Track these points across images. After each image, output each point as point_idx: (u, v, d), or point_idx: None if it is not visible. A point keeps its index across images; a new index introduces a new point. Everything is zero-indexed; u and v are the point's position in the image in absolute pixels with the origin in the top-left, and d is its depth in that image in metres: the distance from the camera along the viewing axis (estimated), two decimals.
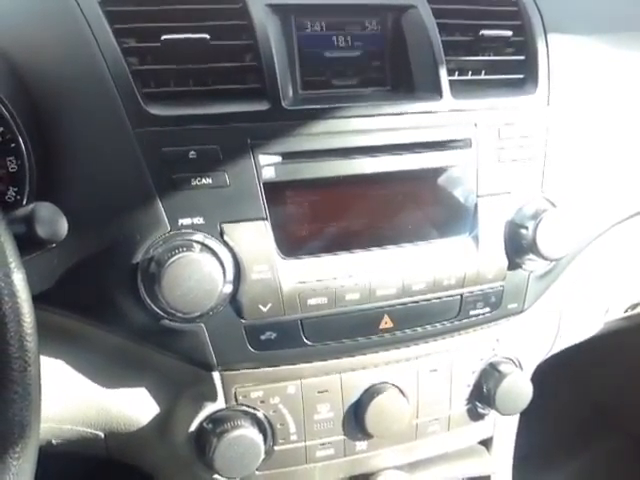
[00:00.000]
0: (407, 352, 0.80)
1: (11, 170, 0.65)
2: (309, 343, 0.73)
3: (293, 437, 0.78)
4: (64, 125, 0.67)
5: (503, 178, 0.79)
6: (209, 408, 0.75)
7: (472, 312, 0.80)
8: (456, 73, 0.79)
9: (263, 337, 0.71)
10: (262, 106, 0.69)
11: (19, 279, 0.49)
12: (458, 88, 0.77)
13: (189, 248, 0.65)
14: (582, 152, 0.87)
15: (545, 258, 0.78)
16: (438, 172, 0.77)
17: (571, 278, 0.92)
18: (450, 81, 0.76)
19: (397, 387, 0.81)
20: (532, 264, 0.81)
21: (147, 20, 0.68)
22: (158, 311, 0.66)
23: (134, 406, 0.76)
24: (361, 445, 0.82)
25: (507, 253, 0.79)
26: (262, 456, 0.74)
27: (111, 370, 0.74)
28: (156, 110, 0.66)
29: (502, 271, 0.79)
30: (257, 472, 0.77)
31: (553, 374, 1.15)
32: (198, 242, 0.66)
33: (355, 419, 0.80)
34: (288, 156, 0.70)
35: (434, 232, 0.77)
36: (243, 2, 0.70)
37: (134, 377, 0.75)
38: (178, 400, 0.76)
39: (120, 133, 0.66)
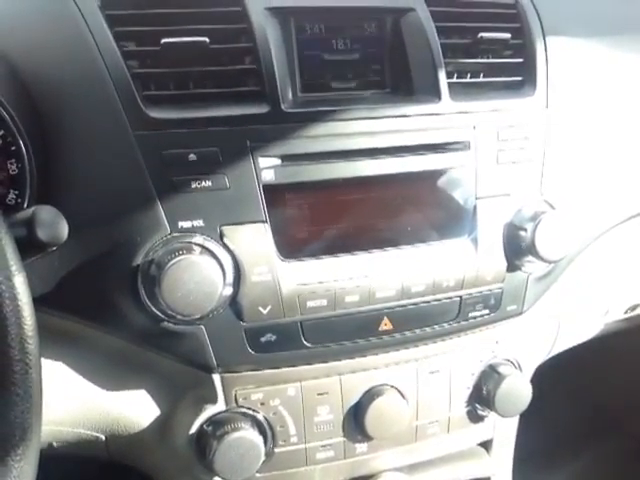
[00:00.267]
0: (407, 354, 0.80)
1: (12, 173, 0.65)
2: (309, 345, 0.73)
3: (293, 439, 0.78)
4: (64, 128, 0.67)
5: (502, 180, 0.80)
6: (209, 410, 0.75)
7: (471, 314, 0.80)
8: (455, 76, 0.80)
9: (263, 339, 0.71)
10: (262, 109, 0.69)
11: (20, 282, 0.49)
12: (457, 91, 0.77)
13: (189, 251, 0.65)
14: (581, 154, 0.87)
15: (544, 260, 0.78)
16: (437, 174, 0.77)
17: (570, 280, 0.92)
18: (449, 84, 0.76)
19: (397, 389, 0.81)
20: (531, 266, 0.81)
21: (147, 23, 0.69)
22: (158, 313, 0.66)
23: (135, 408, 0.76)
24: (361, 447, 0.82)
25: (506, 255, 0.79)
26: (262, 458, 0.74)
27: (112, 372, 0.74)
28: (156, 113, 0.67)
29: (501, 273, 0.80)
30: (257, 474, 0.77)
31: (553, 376, 1.16)
32: (198, 244, 0.67)
33: (355, 421, 0.80)
34: (288, 159, 0.70)
35: (433, 234, 0.77)
36: (242, 5, 0.71)
37: (134, 379, 0.75)
38: (178, 402, 0.77)
39: (120, 136, 0.66)
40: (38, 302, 0.52)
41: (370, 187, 0.75)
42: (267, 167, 0.69)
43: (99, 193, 0.68)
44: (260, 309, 0.70)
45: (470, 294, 0.79)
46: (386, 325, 0.76)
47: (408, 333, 0.77)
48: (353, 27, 0.78)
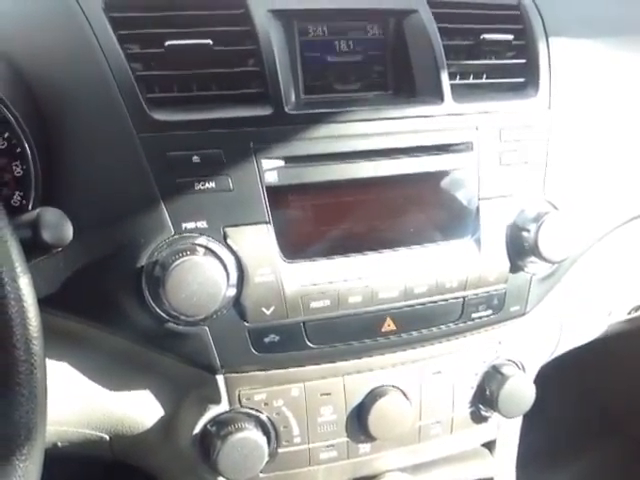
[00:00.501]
0: (410, 355, 0.80)
1: (16, 175, 0.66)
2: (312, 346, 0.74)
3: (297, 439, 0.78)
4: (69, 130, 0.68)
5: (505, 181, 0.80)
6: (213, 411, 0.75)
7: (474, 315, 0.80)
8: (457, 77, 0.80)
9: (266, 340, 0.72)
10: (265, 111, 0.70)
11: (25, 283, 0.49)
12: (459, 92, 0.77)
13: (193, 252, 0.65)
14: (584, 155, 0.87)
15: (547, 261, 0.78)
16: (440, 175, 0.77)
17: (573, 280, 0.92)
18: (451, 85, 0.77)
19: (400, 390, 0.81)
20: (534, 267, 0.81)
21: (151, 26, 0.69)
22: (162, 314, 0.67)
23: (139, 409, 0.76)
24: (364, 447, 0.82)
25: (509, 256, 0.79)
26: (266, 458, 0.74)
27: (116, 373, 0.75)
28: (160, 115, 0.67)
29: (504, 274, 0.80)
30: (261, 474, 0.78)
31: (556, 376, 1.15)
32: (202, 246, 0.67)
33: (358, 422, 0.80)
34: (291, 160, 0.71)
35: (436, 235, 0.77)
36: (246, 8, 0.71)
37: (138, 380, 0.76)
38: (182, 403, 0.77)
39: (124, 138, 0.66)
40: (43, 303, 0.52)
41: (373, 188, 0.75)
42: (270, 169, 0.70)
43: (103, 195, 0.68)
44: (263, 310, 0.70)
45: (473, 295, 0.79)
46: (389, 326, 0.76)
47: (411, 334, 0.77)
48: (356, 29, 0.78)
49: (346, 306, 0.73)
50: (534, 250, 0.77)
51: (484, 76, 0.82)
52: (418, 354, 0.81)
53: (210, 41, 0.69)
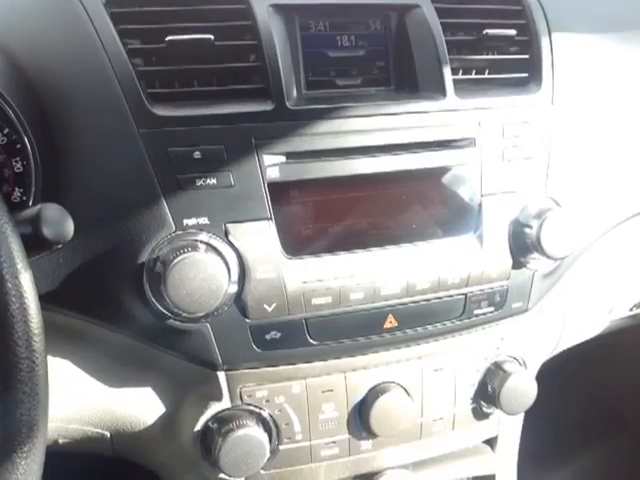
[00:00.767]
0: (411, 351, 0.80)
1: (17, 171, 0.66)
2: (314, 342, 0.73)
3: (298, 436, 0.78)
4: (69, 126, 0.67)
5: (507, 177, 0.79)
6: (214, 407, 0.75)
7: (476, 311, 0.80)
8: (460, 72, 0.79)
9: (268, 337, 0.72)
10: (266, 106, 0.69)
11: (26, 280, 0.49)
12: (462, 87, 0.77)
13: (194, 248, 0.65)
14: (586, 151, 0.87)
15: (549, 257, 0.78)
16: (442, 171, 0.77)
17: (575, 277, 0.92)
18: (454, 80, 0.76)
19: (402, 386, 0.81)
20: (536, 263, 0.81)
21: (152, 21, 0.69)
22: (163, 311, 0.67)
23: (140, 406, 0.76)
24: (366, 444, 0.82)
25: (511, 252, 0.79)
26: (267, 455, 0.74)
27: (117, 370, 0.75)
28: (161, 111, 0.67)
29: (506, 270, 0.79)
30: (262, 471, 0.78)
31: (558, 373, 1.15)
32: (203, 242, 0.67)
33: (360, 418, 0.80)
34: (292, 156, 0.70)
35: (438, 231, 0.77)
36: (247, 3, 0.71)
37: (140, 377, 0.76)
38: (184, 400, 0.77)
39: (125, 134, 0.66)
40: (44, 300, 0.52)
41: (374, 184, 0.75)
42: (272, 164, 0.69)
43: (104, 191, 0.68)
44: (265, 306, 0.70)
45: (475, 291, 0.79)
46: (391, 323, 0.76)
47: (413, 331, 0.77)
48: (358, 24, 0.78)
49: (348, 303, 0.73)
50: (536, 246, 0.77)
51: (487, 71, 0.82)
52: (420, 351, 0.81)
53: (211, 36, 0.68)
